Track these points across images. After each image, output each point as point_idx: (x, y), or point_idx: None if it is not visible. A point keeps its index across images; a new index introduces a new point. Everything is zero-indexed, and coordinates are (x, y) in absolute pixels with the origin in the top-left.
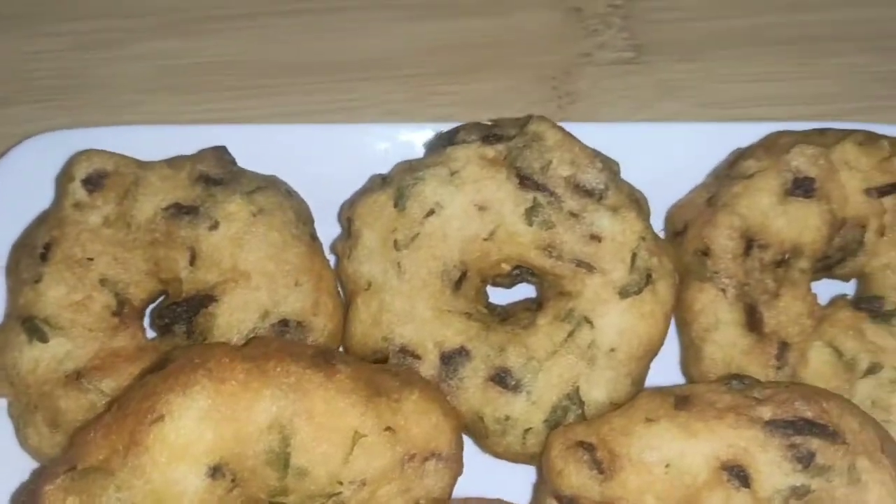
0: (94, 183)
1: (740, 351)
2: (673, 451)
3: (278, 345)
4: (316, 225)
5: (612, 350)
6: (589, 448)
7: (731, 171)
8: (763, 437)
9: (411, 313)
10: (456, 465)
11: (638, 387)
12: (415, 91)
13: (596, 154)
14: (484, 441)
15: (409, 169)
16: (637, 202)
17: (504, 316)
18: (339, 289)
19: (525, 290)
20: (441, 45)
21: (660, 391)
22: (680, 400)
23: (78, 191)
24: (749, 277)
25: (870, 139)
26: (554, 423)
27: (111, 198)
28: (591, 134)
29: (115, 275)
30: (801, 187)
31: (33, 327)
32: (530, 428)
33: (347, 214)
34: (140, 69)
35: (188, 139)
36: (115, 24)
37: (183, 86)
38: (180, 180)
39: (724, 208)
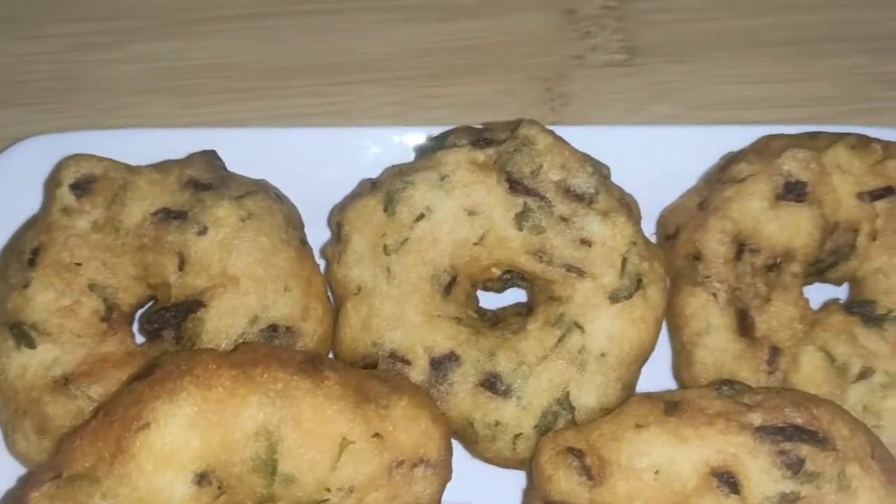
0: (82, 188)
1: (732, 356)
2: (662, 458)
3: (266, 351)
4: (307, 229)
5: (603, 355)
6: (578, 454)
7: (723, 174)
8: (753, 444)
9: (401, 318)
10: (444, 472)
11: (629, 392)
12: (408, 93)
13: (586, 158)
14: (474, 446)
15: (399, 173)
16: (627, 206)
17: (494, 321)
18: (329, 293)
19: (515, 295)
20: (434, 47)
21: (650, 397)
22: (670, 406)
23: (66, 196)
24: (740, 282)
25: (862, 142)
26: (544, 429)
27: (99, 202)
28: (583, 137)
29: (103, 280)
30: (793, 191)
31: (21, 333)
32: (520, 433)
33: (337, 219)
34: (135, 71)
35: (179, 143)
36: (109, 27)
37: (176, 88)
38: (169, 185)
39: (716, 212)
